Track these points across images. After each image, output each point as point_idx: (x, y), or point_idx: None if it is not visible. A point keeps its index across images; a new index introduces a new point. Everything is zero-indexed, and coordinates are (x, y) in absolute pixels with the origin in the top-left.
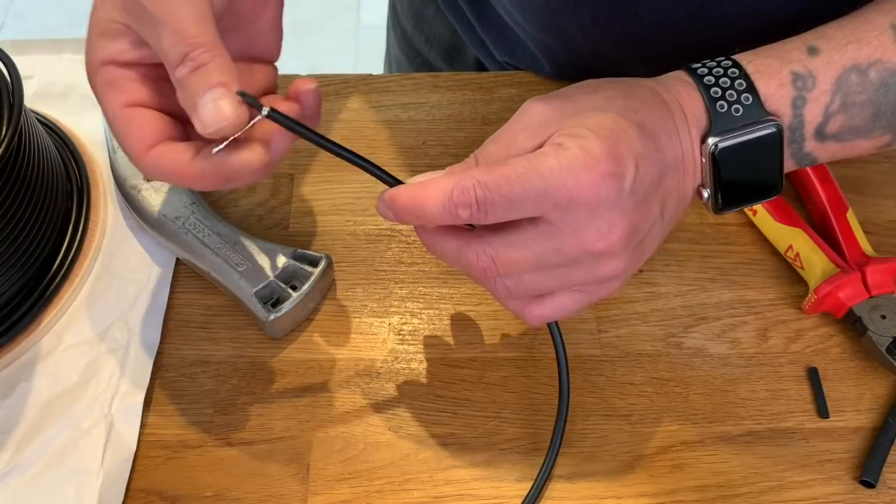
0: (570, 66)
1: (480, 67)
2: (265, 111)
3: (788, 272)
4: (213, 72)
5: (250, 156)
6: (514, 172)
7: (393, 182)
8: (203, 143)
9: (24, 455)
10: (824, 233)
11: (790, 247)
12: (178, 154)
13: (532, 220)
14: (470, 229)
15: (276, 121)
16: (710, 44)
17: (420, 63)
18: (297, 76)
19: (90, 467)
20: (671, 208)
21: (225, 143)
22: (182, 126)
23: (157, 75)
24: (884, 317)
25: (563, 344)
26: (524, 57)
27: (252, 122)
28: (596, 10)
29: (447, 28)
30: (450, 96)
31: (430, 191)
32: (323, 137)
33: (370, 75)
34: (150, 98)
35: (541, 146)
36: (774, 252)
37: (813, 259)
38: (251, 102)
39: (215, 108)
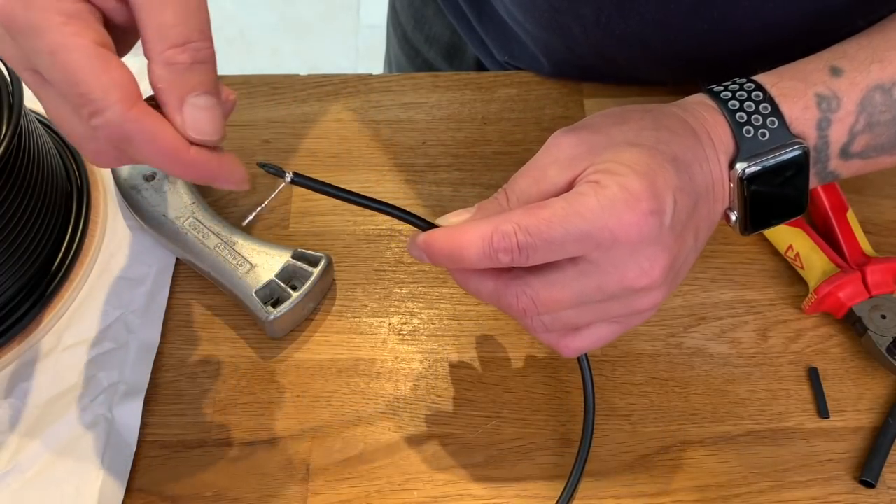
0: (571, 66)
1: (480, 67)
2: (288, 177)
3: (788, 272)
4: (210, 73)
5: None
6: (555, 215)
7: (426, 226)
8: None
9: (24, 455)
10: (824, 233)
11: (790, 247)
12: (169, 127)
13: (571, 259)
14: (505, 270)
15: (301, 185)
16: (712, 43)
17: (420, 63)
18: (296, 76)
19: (90, 467)
20: (703, 235)
21: (254, 214)
22: None
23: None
24: (884, 317)
25: (590, 372)
26: (524, 56)
27: (278, 190)
28: (598, 9)
29: (447, 28)
30: (450, 96)
31: (469, 236)
32: (352, 193)
33: (370, 75)
34: (111, 47)
35: (573, 180)
36: (774, 252)
37: (813, 259)
38: (274, 171)
39: (210, 116)
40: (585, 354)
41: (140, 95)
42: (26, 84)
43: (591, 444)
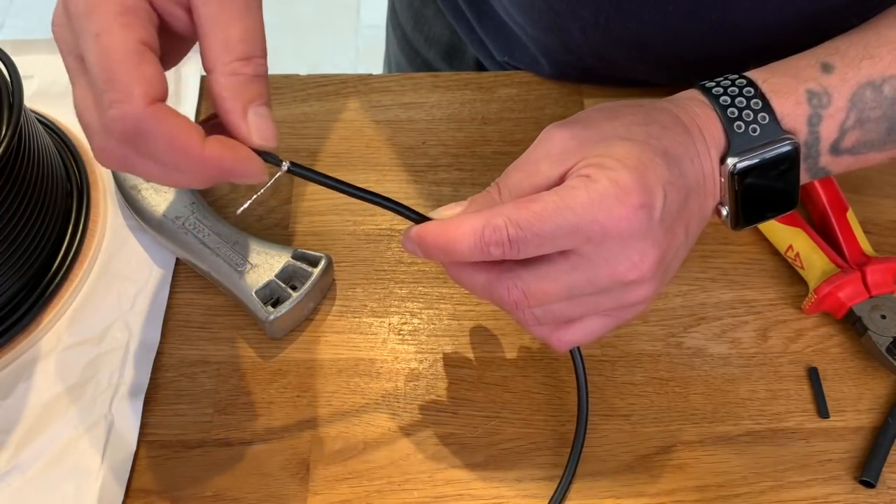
0: (570, 67)
1: (480, 67)
2: (285, 166)
3: (788, 272)
4: (267, 87)
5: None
6: (546, 209)
7: (419, 219)
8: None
9: (24, 455)
10: (824, 233)
11: (790, 247)
12: (188, 124)
13: (563, 253)
14: (497, 263)
15: (297, 174)
16: (710, 45)
17: (420, 63)
18: (296, 76)
19: (90, 467)
20: (693, 229)
21: (250, 202)
22: None
23: (158, 31)
24: (884, 317)
25: (584, 369)
26: (524, 57)
27: (275, 178)
28: (597, 10)
29: (447, 28)
30: (450, 96)
31: (460, 229)
32: (346, 184)
33: (370, 75)
34: (156, 49)
35: (565, 174)
36: (774, 252)
37: (813, 259)
38: (271, 160)
39: (271, 125)
40: (577, 347)
41: (164, 97)
42: (67, 71)
43: (585, 439)
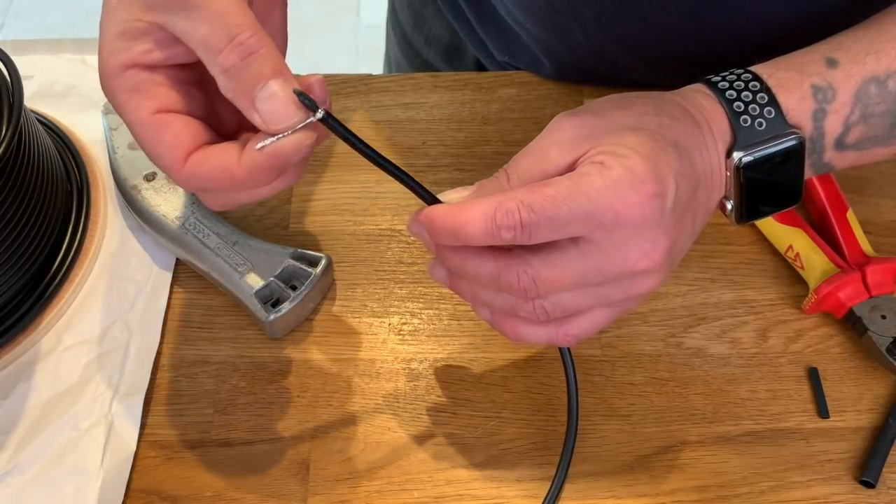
0: (572, 67)
1: (480, 67)
2: (320, 114)
3: (788, 272)
4: (266, 59)
5: (302, 136)
6: (560, 193)
7: (431, 200)
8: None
9: (24, 455)
10: (824, 233)
11: (790, 247)
12: (222, 155)
13: (573, 240)
14: (505, 250)
15: (329, 126)
16: (712, 45)
17: (420, 63)
18: (296, 76)
19: (90, 467)
20: (700, 222)
21: (272, 140)
22: (212, 130)
23: (184, 78)
24: (884, 317)
25: (573, 367)
26: (524, 57)
27: (304, 123)
28: (598, 9)
29: (447, 28)
30: (450, 96)
31: (471, 212)
32: (368, 147)
33: (370, 75)
34: (179, 103)
35: (575, 162)
36: (774, 252)
37: (813, 259)
38: (307, 103)
39: (283, 104)
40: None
41: (195, 143)
42: None
43: (580, 438)
